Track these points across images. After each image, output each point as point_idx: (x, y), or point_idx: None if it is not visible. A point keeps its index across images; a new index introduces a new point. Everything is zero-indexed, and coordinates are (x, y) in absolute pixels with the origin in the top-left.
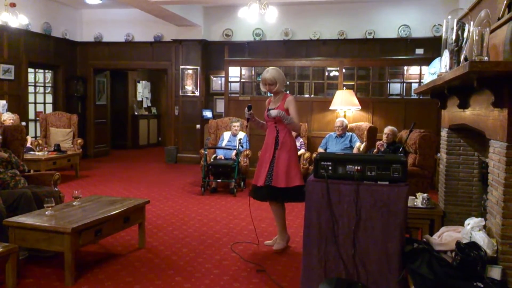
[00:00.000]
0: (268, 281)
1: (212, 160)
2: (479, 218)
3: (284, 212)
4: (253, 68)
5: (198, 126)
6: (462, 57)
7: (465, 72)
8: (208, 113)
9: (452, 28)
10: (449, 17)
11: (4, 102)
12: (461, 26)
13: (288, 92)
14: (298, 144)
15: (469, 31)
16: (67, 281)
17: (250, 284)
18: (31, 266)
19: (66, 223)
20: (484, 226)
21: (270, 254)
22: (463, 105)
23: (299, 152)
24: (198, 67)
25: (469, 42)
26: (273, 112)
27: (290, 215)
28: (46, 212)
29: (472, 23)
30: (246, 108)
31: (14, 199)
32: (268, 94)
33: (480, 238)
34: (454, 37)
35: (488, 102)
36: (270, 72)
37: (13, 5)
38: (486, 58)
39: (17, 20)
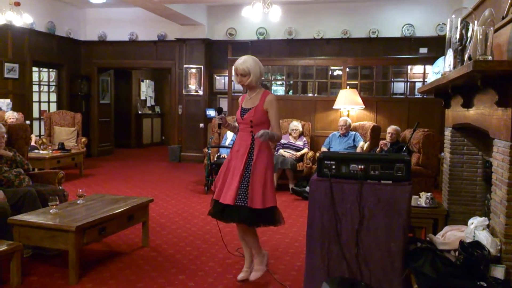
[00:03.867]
0: (271, 280)
1: (215, 159)
2: (483, 218)
3: (256, 231)
4: None
5: (201, 125)
6: (466, 56)
7: (469, 71)
8: (211, 112)
9: (456, 27)
10: (453, 16)
11: (8, 101)
12: (465, 25)
13: (290, 90)
14: (301, 143)
15: (473, 30)
16: (71, 279)
17: (253, 283)
18: (36, 264)
19: (70, 221)
20: (488, 226)
21: (273, 253)
22: (467, 105)
23: (302, 151)
24: (202, 66)
25: (473, 41)
26: (260, 136)
27: (293, 214)
28: (51, 211)
29: (476, 22)
30: (216, 112)
31: (19, 198)
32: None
33: (484, 237)
34: (458, 36)
35: (492, 101)
36: (244, 60)
37: (17, 4)
38: (490, 57)
39: (21, 19)
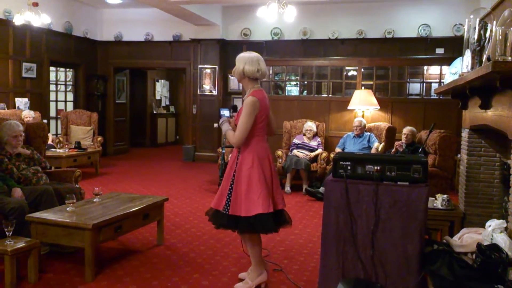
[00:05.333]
0: (285, 280)
1: (229, 158)
2: (501, 220)
3: (260, 240)
4: (271, 67)
5: (215, 125)
6: (485, 57)
7: (488, 72)
8: (225, 112)
9: (474, 28)
10: (471, 16)
11: (26, 100)
12: (483, 26)
13: (304, 91)
14: (315, 143)
15: (491, 30)
16: (87, 276)
17: (267, 283)
18: (52, 261)
19: (86, 219)
20: (506, 228)
21: (287, 254)
22: (485, 106)
23: (316, 152)
24: (216, 66)
25: (492, 41)
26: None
27: (307, 214)
28: (67, 208)
29: (494, 22)
30: (231, 110)
31: (37, 195)
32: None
33: (502, 240)
34: (476, 36)
35: (511, 102)
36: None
37: (35, 4)
38: (509, 58)
39: (39, 20)
